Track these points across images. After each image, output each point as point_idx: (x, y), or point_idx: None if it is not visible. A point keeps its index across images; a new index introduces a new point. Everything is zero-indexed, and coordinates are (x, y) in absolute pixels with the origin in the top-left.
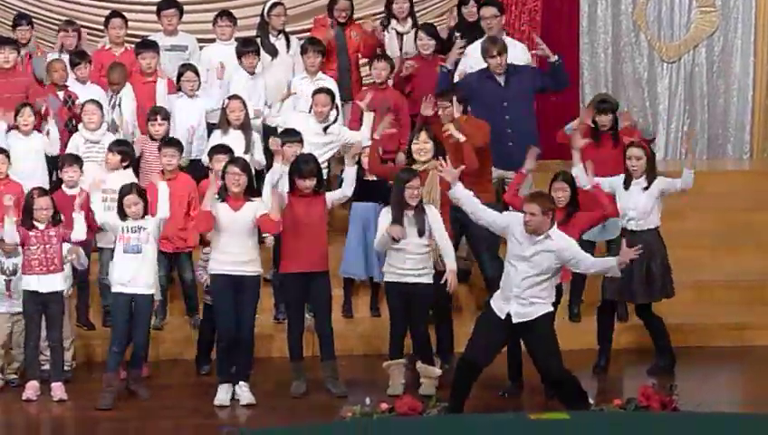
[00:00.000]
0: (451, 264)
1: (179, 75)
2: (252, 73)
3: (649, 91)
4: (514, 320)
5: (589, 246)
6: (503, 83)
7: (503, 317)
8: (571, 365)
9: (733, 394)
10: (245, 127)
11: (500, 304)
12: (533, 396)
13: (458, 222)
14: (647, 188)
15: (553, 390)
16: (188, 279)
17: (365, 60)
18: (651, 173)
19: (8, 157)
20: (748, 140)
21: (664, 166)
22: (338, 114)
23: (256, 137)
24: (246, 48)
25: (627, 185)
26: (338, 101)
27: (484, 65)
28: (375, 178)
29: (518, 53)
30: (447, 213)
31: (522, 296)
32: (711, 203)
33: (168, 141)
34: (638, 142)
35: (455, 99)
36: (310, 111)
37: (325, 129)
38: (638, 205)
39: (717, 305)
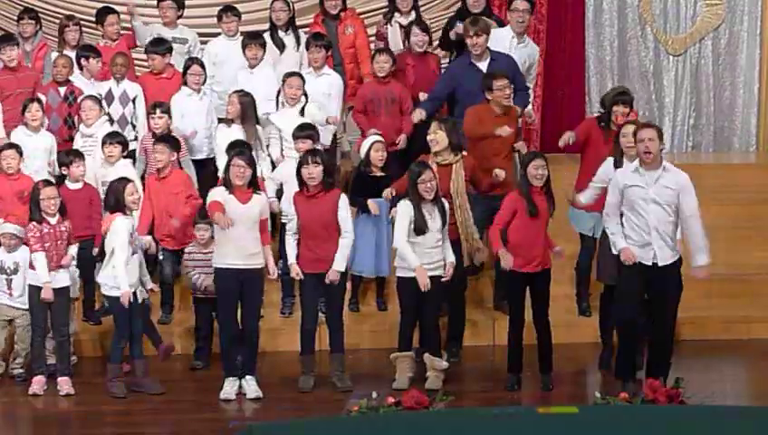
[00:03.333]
0: (450, 255)
1: (185, 69)
2: (253, 67)
3: (655, 84)
4: (660, 263)
5: (591, 241)
6: (484, 70)
7: (649, 264)
8: (578, 359)
9: (737, 387)
10: (246, 120)
11: (640, 253)
12: (532, 389)
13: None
14: None
15: (654, 347)
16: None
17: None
18: None
19: (20, 152)
20: (754, 133)
21: (670, 158)
22: (307, 98)
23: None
24: (251, 40)
25: (618, 166)
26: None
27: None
28: (381, 174)
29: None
30: (467, 202)
31: (661, 238)
32: (716, 196)
33: (160, 138)
34: (646, 123)
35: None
36: (277, 103)
37: (301, 111)
38: None
39: (723, 298)
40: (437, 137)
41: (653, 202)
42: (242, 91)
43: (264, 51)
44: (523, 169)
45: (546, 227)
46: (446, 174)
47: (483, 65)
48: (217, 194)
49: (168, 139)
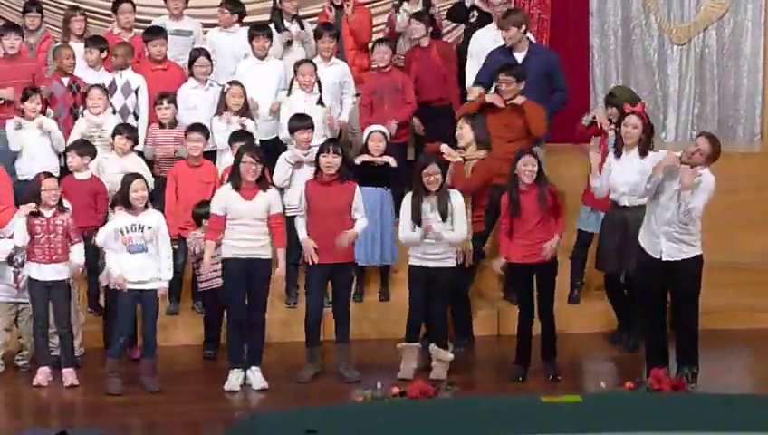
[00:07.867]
0: (465, 244)
1: (192, 60)
2: (261, 58)
3: (660, 74)
4: (664, 258)
5: (586, 236)
6: (521, 61)
7: (657, 257)
8: (572, 350)
9: (743, 376)
10: (247, 113)
11: (651, 244)
12: (538, 380)
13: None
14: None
15: (678, 338)
16: None
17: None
18: (646, 146)
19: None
20: (759, 122)
21: (674, 148)
22: (320, 87)
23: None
24: (258, 31)
25: (618, 154)
26: (352, 88)
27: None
28: (379, 163)
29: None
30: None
31: (671, 234)
32: (722, 185)
33: (192, 127)
34: (638, 112)
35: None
36: (289, 93)
37: (319, 101)
38: (629, 180)
39: (728, 288)
40: (462, 132)
41: (671, 199)
42: (240, 83)
43: (271, 42)
44: (512, 168)
45: (552, 219)
46: (460, 168)
47: (519, 56)
48: (222, 196)
49: (200, 127)
